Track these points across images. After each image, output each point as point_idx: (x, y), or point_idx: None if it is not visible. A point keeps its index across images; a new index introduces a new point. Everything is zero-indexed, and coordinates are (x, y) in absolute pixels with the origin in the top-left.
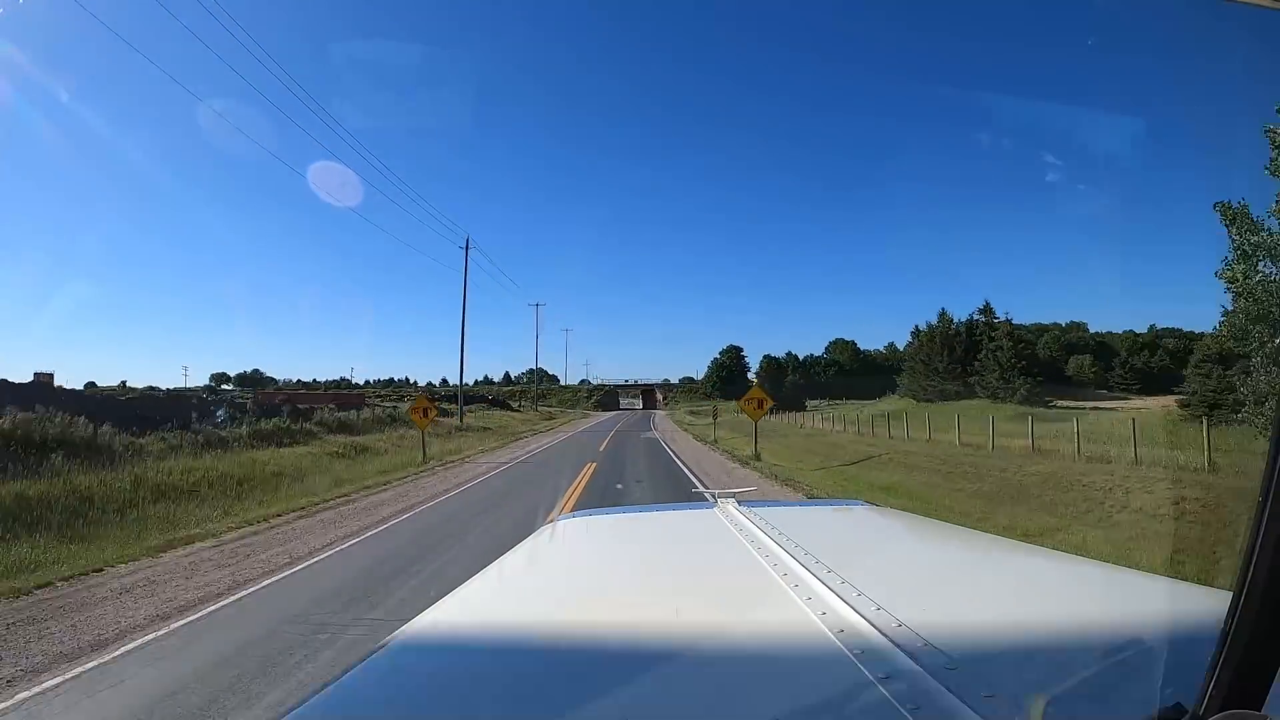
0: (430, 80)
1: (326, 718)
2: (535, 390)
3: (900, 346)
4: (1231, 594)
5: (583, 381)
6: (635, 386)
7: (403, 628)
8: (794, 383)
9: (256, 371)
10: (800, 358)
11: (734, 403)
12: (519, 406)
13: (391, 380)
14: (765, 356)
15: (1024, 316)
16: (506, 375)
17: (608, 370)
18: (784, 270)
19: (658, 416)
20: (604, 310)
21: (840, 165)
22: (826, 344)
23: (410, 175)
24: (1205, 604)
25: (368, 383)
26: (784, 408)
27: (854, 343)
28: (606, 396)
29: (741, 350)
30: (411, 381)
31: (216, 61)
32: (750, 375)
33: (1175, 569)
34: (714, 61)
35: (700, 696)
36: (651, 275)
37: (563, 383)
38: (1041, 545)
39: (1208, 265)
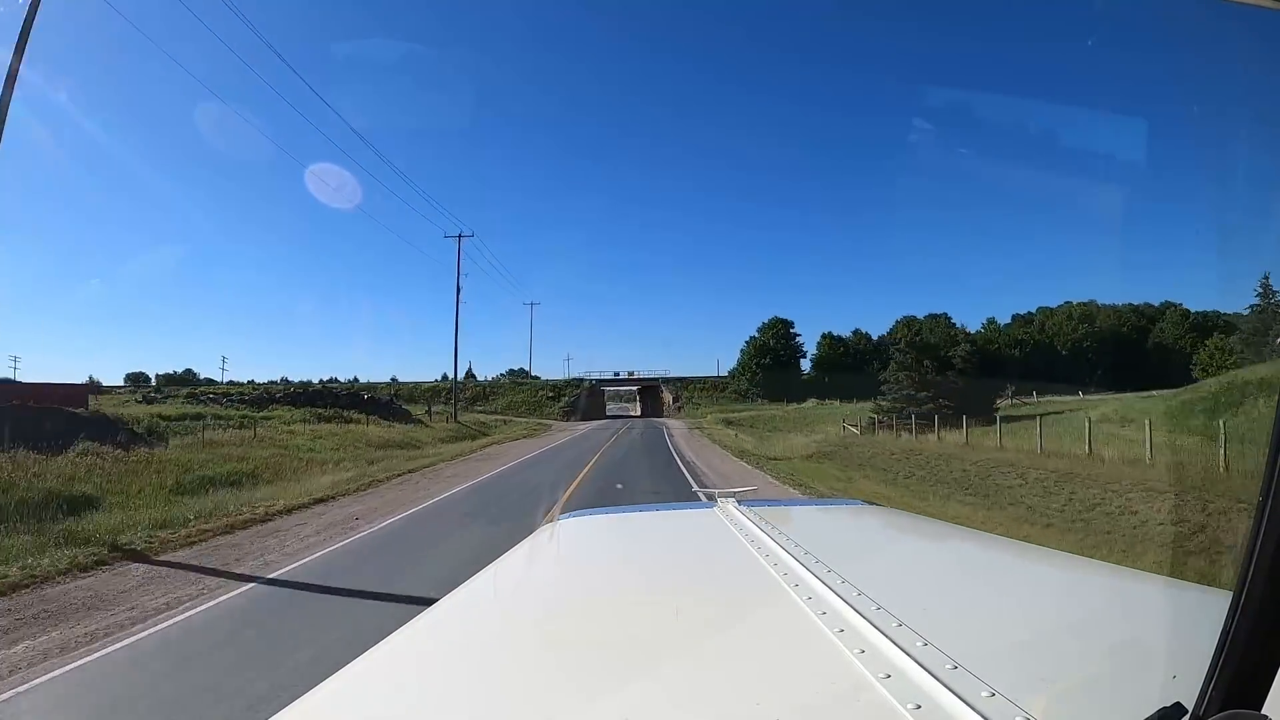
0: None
1: (322, 717)
2: (455, 387)
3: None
4: (1231, 594)
5: (571, 380)
6: (631, 381)
7: (402, 627)
8: (965, 371)
9: (189, 372)
10: (873, 338)
11: (790, 406)
12: (426, 414)
13: (306, 383)
14: (826, 335)
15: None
16: (470, 373)
17: (596, 364)
18: (793, 258)
19: (676, 433)
20: (592, 301)
21: (844, 163)
22: (894, 323)
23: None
24: (1205, 604)
25: (305, 381)
26: (956, 417)
27: (946, 316)
28: (588, 397)
29: (792, 326)
30: (322, 381)
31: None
32: (806, 364)
33: None
34: (720, 62)
35: (700, 697)
36: (647, 264)
37: (539, 376)
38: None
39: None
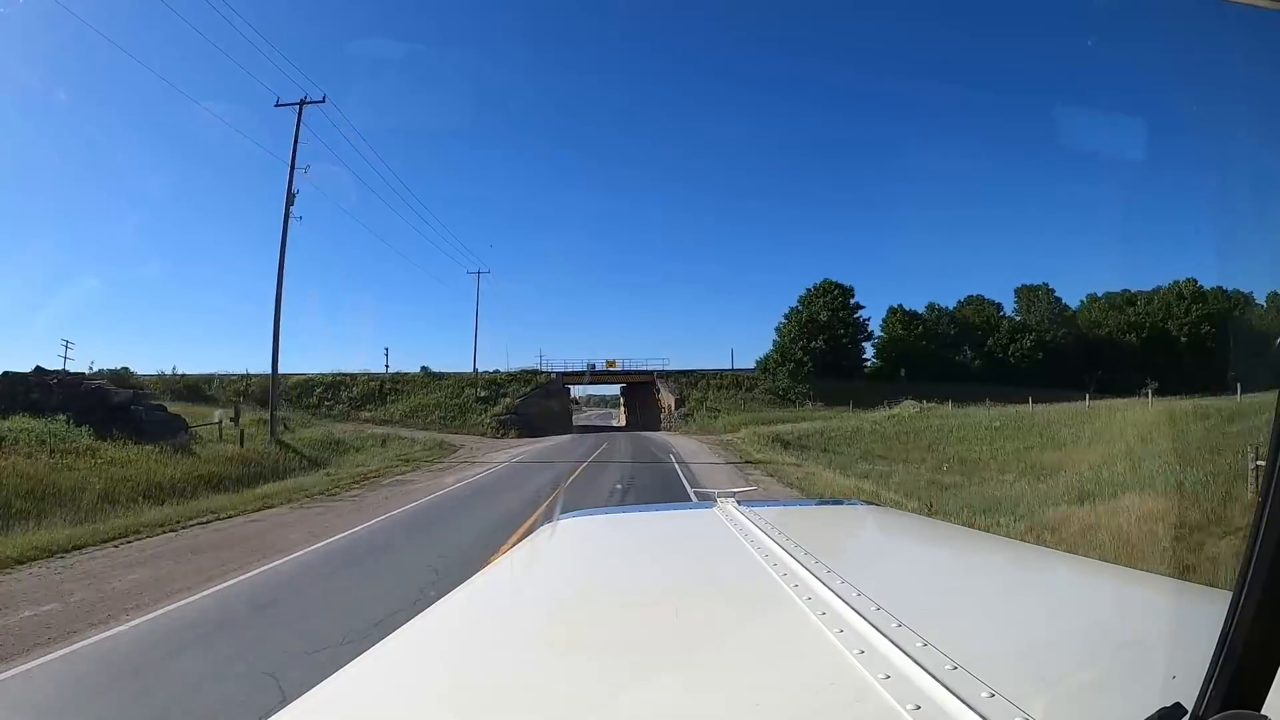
0: None
1: (323, 716)
2: (274, 379)
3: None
4: (1231, 594)
5: (520, 372)
6: (612, 375)
7: (403, 626)
8: None
9: (125, 369)
10: (951, 313)
11: (881, 413)
12: (221, 424)
13: (182, 376)
14: (895, 309)
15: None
16: (424, 369)
17: (574, 355)
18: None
19: (712, 483)
20: (583, 299)
21: (848, 161)
22: (956, 303)
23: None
24: (1205, 604)
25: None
26: None
27: (1047, 288)
28: (543, 399)
29: (851, 295)
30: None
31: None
32: (870, 346)
33: None
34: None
35: (699, 698)
36: (639, 263)
37: (501, 369)
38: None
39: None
